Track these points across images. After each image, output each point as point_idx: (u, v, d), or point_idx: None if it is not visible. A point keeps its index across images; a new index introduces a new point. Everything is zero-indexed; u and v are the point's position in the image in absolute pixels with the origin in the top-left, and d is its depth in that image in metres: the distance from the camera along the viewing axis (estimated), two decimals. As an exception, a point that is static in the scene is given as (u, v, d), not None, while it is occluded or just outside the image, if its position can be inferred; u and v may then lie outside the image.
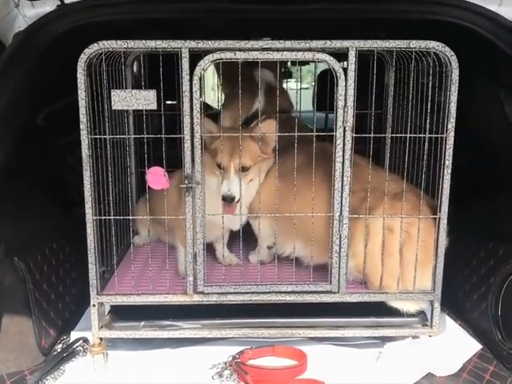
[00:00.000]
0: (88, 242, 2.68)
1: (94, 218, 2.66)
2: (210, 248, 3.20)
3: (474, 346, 2.92)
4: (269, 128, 2.79)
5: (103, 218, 2.68)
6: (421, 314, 2.85)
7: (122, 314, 2.90)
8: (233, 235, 3.24)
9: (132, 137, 2.67)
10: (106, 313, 2.91)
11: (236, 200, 2.78)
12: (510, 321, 2.83)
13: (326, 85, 3.01)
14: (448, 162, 2.61)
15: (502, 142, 3.11)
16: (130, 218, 2.76)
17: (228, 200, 2.77)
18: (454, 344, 2.89)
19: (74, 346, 2.87)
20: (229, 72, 3.16)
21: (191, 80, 2.53)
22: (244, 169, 2.83)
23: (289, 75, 5.92)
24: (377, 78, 2.64)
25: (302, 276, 2.97)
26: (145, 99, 2.55)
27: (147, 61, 3.37)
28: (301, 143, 2.66)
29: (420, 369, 2.71)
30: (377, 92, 2.64)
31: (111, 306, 2.91)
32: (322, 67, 4.39)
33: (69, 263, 3.36)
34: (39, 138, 3.31)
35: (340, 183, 2.64)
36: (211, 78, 5.44)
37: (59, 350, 2.93)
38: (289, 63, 5.05)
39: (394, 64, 3.27)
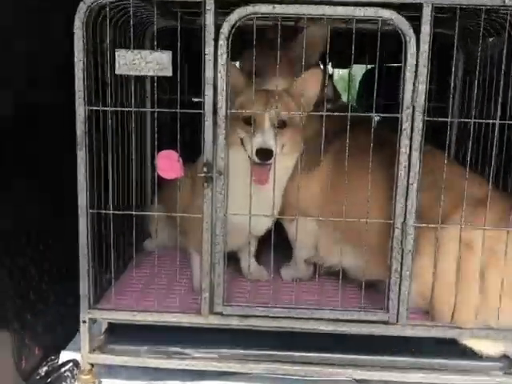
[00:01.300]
0: (80, 240, 2.14)
1: (90, 211, 2.12)
2: (232, 258, 2.61)
3: None
4: (312, 80, 2.20)
5: (100, 212, 2.12)
6: (504, 358, 2.20)
7: (121, 334, 2.36)
8: (262, 242, 2.64)
9: (134, 110, 2.08)
10: (103, 331, 2.35)
11: (273, 155, 2.14)
12: None
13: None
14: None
15: None
16: (133, 213, 2.18)
17: (262, 155, 2.13)
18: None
19: (62, 371, 2.36)
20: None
21: (216, 41, 1.96)
22: (280, 125, 2.22)
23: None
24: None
25: (348, 298, 2.37)
26: (157, 62, 2.00)
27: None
28: (357, 133, 2.07)
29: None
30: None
31: (109, 323, 2.35)
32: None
33: (65, 265, 2.81)
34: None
35: (405, 181, 2.02)
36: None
37: (43, 374, 2.39)
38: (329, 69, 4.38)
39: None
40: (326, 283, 2.57)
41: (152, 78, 2.24)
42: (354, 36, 1.96)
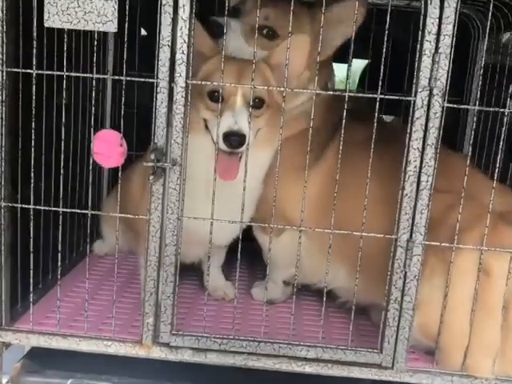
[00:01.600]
0: (-10, 242, 1.65)
1: (3, 204, 1.63)
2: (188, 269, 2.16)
3: None
4: (297, 48, 1.67)
5: (14, 205, 1.63)
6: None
7: (47, 360, 1.85)
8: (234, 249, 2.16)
9: (66, 74, 1.55)
10: (21, 357, 1.85)
11: (246, 142, 1.65)
12: None
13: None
14: None
15: None
16: (61, 210, 1.66)
17: (231, 141, 1.63)
18: None
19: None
20: None
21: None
22: (256, 103, 1.73)
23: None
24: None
25: (332, 328, 1.92)
26: (99, 14, 1.51)
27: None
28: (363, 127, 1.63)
29: None
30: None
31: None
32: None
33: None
34: None
35: (415, 186, 1.55)
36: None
37: None
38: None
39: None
40: (305, 306, 2.12)
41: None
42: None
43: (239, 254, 1.66)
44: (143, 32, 3.43)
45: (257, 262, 2.36)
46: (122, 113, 1.56)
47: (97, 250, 2.46)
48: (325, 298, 1.72)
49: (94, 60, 1.55)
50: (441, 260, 1.69)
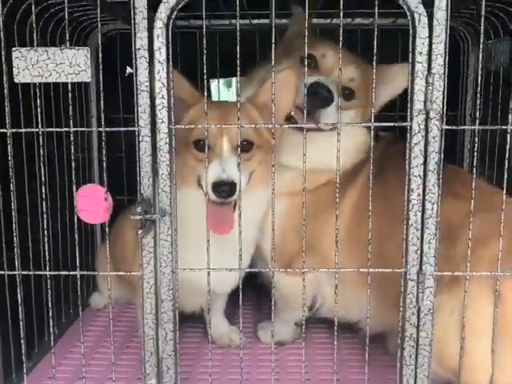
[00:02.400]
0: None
1: (-13, 272, 1.54)
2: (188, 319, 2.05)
3: None
4: (285, 85, 1.60)
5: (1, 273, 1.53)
6: None
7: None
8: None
9: (42, 130, 1.46)
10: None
11: (237, 190, 1.54)
12: None
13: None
14: None
15: None
16: (48, 273, 1.55)
17: (221, 190, 1.53)
18: None
19: None
20: None
21: (150, 30, 1.42)
22: (245, 146, 1.63)
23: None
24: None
25: (347, 367, 1.82)
26: (70, 64, 1.44)
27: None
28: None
29: None
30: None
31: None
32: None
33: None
34: None
35: (419, 215, 1.46)
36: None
37: None
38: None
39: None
40: (316, 345, 2.02)
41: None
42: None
43: (240, 301, 1.55)
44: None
45: (260, 301, 2.26)
46: (105, 165, 1.47)
47: (94, 303, 2.36)
48: (336, 333, 1.60)
49: (71, 114, 1.46)
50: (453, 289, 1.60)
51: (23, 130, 1.51)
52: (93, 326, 2.19)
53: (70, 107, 1.47)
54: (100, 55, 1.59)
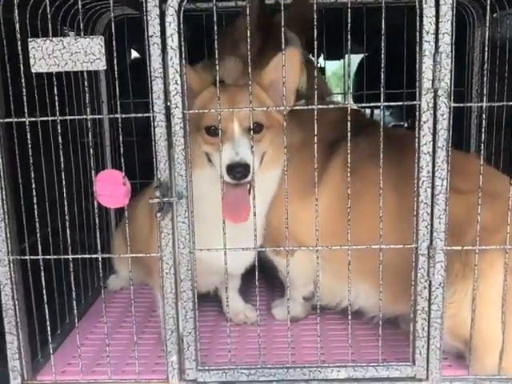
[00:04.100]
0: (2, 296, 1.61)
1: (12, 258, 1.59)
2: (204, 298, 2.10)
3: None
4: (290, 63, 1.57)
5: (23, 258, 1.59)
6: None
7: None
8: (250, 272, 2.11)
9: (60, 119, 1.51)
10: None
11: (251, 171, 1.58)
12: None
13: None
14: None
15: None
16: (70, 257, 1.62)
17: (236, 172, 1.56)
18: None
19: None
20: None
21: (162, 18, 1.45)
22: (255, 128, 1.65)
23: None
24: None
25: (360, 343, 1.87)
26: (85, 53, 1.47)
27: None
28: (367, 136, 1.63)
29: None
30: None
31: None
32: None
33: None
34: None
35: (429, 191, 1.50)
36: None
37: None
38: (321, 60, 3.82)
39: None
40: (330, 324, 2.07)
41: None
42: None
43: (257, 279, 1.61)
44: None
45: (272, 279, 2.31)
46: (122, 151, 1.51)
47: (111, 285, 2.41)
48: (350, 316, 1.66)
49: (87, 102, 1.50)
50: (467, 262, 1.65)
51: (41, 119, 1.54)
52: (111, 307, 2.24)
53: (87, 95, 1.50)
54: (114, 42, 1.59)
